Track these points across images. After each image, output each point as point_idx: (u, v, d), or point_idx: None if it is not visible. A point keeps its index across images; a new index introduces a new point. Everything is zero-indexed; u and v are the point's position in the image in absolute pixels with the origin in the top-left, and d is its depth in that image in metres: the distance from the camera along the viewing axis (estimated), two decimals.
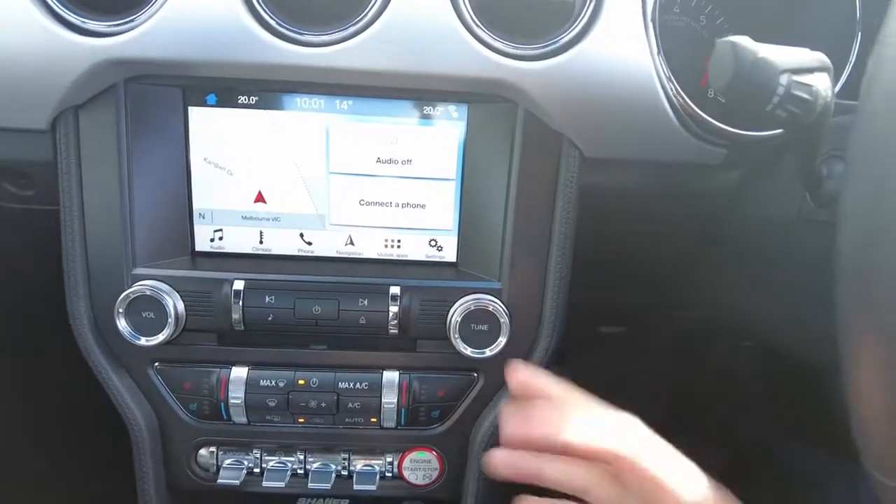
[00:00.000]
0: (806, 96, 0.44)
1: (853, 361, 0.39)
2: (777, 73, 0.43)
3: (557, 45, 0.58)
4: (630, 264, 0.81)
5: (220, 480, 0.67)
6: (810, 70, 0.44)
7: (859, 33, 0.64)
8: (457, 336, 0.63)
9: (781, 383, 1.21)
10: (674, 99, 0.60)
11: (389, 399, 0.65)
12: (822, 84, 0.45)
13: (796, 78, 0.44)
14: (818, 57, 0.45)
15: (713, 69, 0.45)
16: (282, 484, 0.67)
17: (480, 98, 0.61)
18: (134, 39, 0.56)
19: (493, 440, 0.68)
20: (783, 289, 0.64)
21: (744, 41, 0.44)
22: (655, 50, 0.60)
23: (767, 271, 0.66)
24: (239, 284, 0.62)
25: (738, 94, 0.45)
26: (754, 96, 0.44)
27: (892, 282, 0.34)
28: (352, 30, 0.56)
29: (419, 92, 0.61)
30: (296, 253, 0.67)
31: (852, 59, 0.63)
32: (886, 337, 0.35)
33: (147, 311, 0.61)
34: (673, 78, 0.60)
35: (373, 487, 0.68)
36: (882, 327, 0.34)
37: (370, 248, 0.68)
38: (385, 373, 0.66)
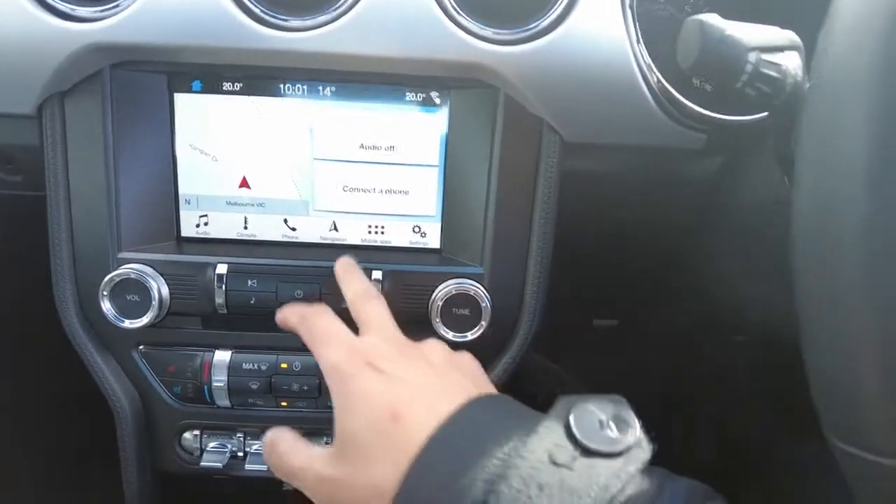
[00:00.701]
0: (775, 75, 0.44)
1: (819, 338, 0.39)
2: (745, 51, 0.44)
3: (536, 29, 0.59)
4: (615, 253, 0.81)
5: (202, 463, 0.67)
6: (780, 48, 0.45)
7: None
8: (438, 320, 0.64)
9: (776, 378, 1.21)
10: (653, 83, 0.61)
11: None
12: (792, 63, 0.45)
13: (765, 56, 0.44)
14: (787, 35, 0.45)
15: (681, 47, 0.46)
16: (265, 467, 0.67)
17: (462, 83, 0.62)
18: (118, 24, 0.56)
19: None
20: (766, 273, 0.64)
21: (711, 18, 0.44)
22: (634, 37, 0.61)
23: (750, 257, 0.66)
24: (222, 268, 0.63)
25: (705, 72, 0.45)
26: (722, 74, 0.44)
27: (839, 262, 0.34)
28: (331, 15, 0.57)
29: (401, 77, 0.61)
30: (280, 239, 0.68)
31: None
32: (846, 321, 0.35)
33: (132, 295, 0.62)
34: (651, 62, 0.61)
35: None
36: (839, 309, 0.34)
37: (354, 234, 0.68)
38: None
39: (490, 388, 0.50)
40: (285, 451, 0.47)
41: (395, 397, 0.43)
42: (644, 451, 0.38)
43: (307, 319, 0.53)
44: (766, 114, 0.62)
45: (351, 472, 0.42)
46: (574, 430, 0.37)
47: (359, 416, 0.43)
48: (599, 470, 0.35)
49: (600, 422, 0.38)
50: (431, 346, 0.51)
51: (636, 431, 0.38)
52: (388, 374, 0.45)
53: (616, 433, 0.37)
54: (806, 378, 0.97)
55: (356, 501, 0.42)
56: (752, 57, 0.44)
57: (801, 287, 0.36)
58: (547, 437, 0.37)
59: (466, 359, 0.53)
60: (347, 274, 0.60)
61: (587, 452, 0.36)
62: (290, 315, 0.55)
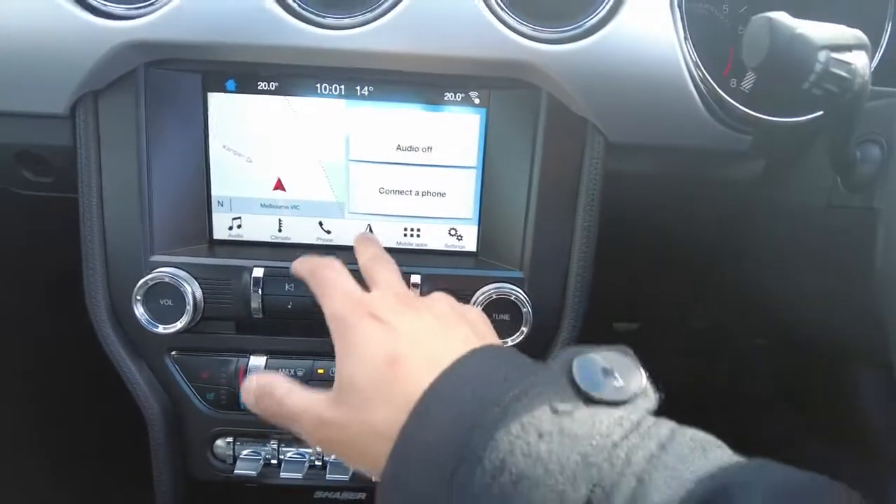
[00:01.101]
0: (844, 74, 0.43)
1: None
2: (815, 50, 0.42)
3: (582, 28, 0.57)
4: (652, 256, 0.80)
5: (236, 471, 0.66)
6: (849, 47, 0.43)
7: (889, 21, 0.63)
8: None
9: (798, 382, 1.20)
10: (700, 85, 0.60)
11: None
12: (861, 62, 0.44)
13: (835, 55, 0.43)
14: (856, 34, 0.44)
15: (747, 46, 0.44)
16: (299, 475, 0.66)
17: (503, 83, 0.60)
18: (155, 22, 0.55)
19: None
20: (811, 280, 0.63)
21: (780, 17, 0.43)
22: (682, 35, 0.59)
23: (795, 262, 0.65)
24: (258, 272, 0.61)
25: (773, 71, 0.43)
26: (790, 73, 0.43)
27: None
28: (375, 13, 0.56)
29: (441, 77, 0.60)
30: (315, 242, 0.66)
31: (883, 43, 0.62)
32: None
33: (165, 299, 0.61)
34: (700, 64, 0.59)
35: None
36: None
37: (389, 237, 0.67)
38: None
39: (495, 341, 0.49)
40: (284, 394, 0.47)
41: (394, 344, 0.43)
42: (649, 401, 0.37)
43: (316, 271, 0.53)
44: (814, 115, 0.61)
45: (350, 415, 0.42)
46: (576, 378, 0.36)
47: (358, 361, 0.43)
48: (601, 417, 0.34)
49: (604, 371, 0.36)
50: (437, 298, 0.51)
51: (641, 380, 0.37)
52: (389, 322, 0.45)
53: (620, 382, 0.36)
54: (829, 382, 0.95)
55: (355, 444, 0.42)
56: (822, 56, 0.42)
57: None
58: (548, 386, 0.36)
59: (473, 312, 0.52)
60: (362, 243, 0.60)
61: (590, 401, 0.35)
62: (301, 267, 0.56)
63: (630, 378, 0.37)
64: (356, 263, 0.62)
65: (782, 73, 0.43)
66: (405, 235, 0.67)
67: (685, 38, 0.59)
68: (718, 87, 0.60)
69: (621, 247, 0.75)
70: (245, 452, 0.67)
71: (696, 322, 1.30)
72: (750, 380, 1.31)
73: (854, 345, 0.65)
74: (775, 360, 1.27)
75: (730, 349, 1.34)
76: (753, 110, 0.61)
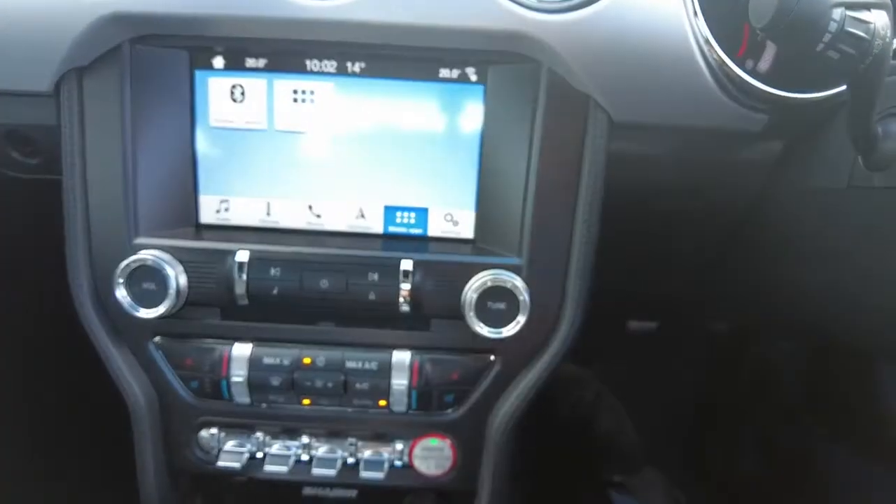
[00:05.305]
0: (862, 34, 0.39)
1: None
2: (829, 7, 0.39)
3: None
4: (663, 247, 0.76)
5: (219, 464, 0.64)
6: (867, 5, 0.40)
7: None
8: (472, 314, 0.59)
9: (823, 388, 1.14)
10: (711, 60, 0.56)
11: (400, 381, 0.61)
12: (881, 21, 0.40)
13: (851, 13, 0.39)
14: None
15: (755, 4, 0.41)
16: (284, 469, 0.63)
17: (501, 58, 0.58)
18: None
19: (511, 428, 0.64)
20: (831, 265, 0.59)
21: None
22: (692, 10, 0.56)
23: (814, 247, 0.61)
24: (243, 256, 0.59)
25: (783, 32, 0.40)
26: (802, 34, 0.39)
27: None
28: None
29: (436, 51, 0.57)
30: (304, 226, 0.64)
31: None
32: None
33: (148, 282, 0.59)
34: (711, 37, 0.56)
35: (380, 476, 0.64)
36: None
37: (382, 221, 0.64)
38: (396, 352, 0.62)
39: None
40: None
41: None
42: None
43: None
44: (834, 91, 0.57)
45: None
46: None
47: None
48: None
49: None
50: None
51: None
52: None
53: None
54: (856, 389, 0.89)
55: None
56: (837, 14, 0.39)
57: None
58: None
59: None
60: None
61: None
62: None
63: None
64: (350, 249, 0.60)
65: (794, 34, 0.40)
66: (398, 220, 0.64)
67: (695, 14, 0.56)
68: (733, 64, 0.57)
69: (629, 235, 0.71)
70: (230, 444, 0.65)
71: (716, 324, 1.26)
72: (774, 386, 1.26)
73: (881, 338, 0.60)
74: (800, 366, 1.22)
75: (752, 355, 1.29)
76: (770, 87, 0.57)
